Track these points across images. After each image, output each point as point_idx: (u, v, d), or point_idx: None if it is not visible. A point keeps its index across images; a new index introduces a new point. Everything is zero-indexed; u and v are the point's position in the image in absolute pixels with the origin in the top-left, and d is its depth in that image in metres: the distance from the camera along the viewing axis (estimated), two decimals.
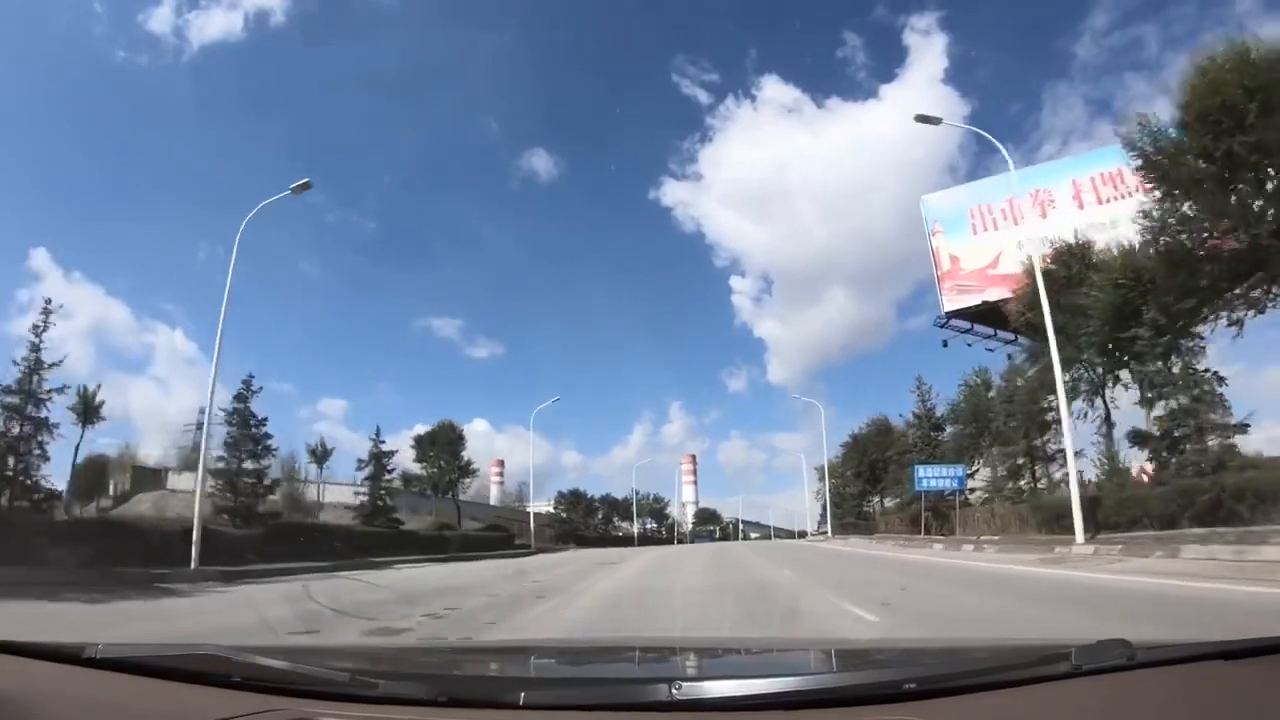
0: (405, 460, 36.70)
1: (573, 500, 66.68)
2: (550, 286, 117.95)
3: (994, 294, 31.28)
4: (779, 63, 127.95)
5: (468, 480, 38.06)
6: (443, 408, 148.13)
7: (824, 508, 56.36)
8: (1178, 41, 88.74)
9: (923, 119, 22.76)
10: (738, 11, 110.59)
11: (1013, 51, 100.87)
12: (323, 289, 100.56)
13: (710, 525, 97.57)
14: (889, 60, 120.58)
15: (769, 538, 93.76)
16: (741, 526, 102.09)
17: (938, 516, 31.40)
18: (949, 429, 35.12)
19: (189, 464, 29.50)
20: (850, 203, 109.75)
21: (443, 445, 37.34)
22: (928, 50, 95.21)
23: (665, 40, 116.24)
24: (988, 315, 31.97)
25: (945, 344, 35.76)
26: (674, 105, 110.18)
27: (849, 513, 50.87)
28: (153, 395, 79.51)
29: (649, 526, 79.83)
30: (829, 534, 48.19)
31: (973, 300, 33.39)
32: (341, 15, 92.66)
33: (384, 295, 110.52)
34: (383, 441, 32.33)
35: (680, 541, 73.97)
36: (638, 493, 74.81)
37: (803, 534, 79.85)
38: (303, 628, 7.18)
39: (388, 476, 33.02)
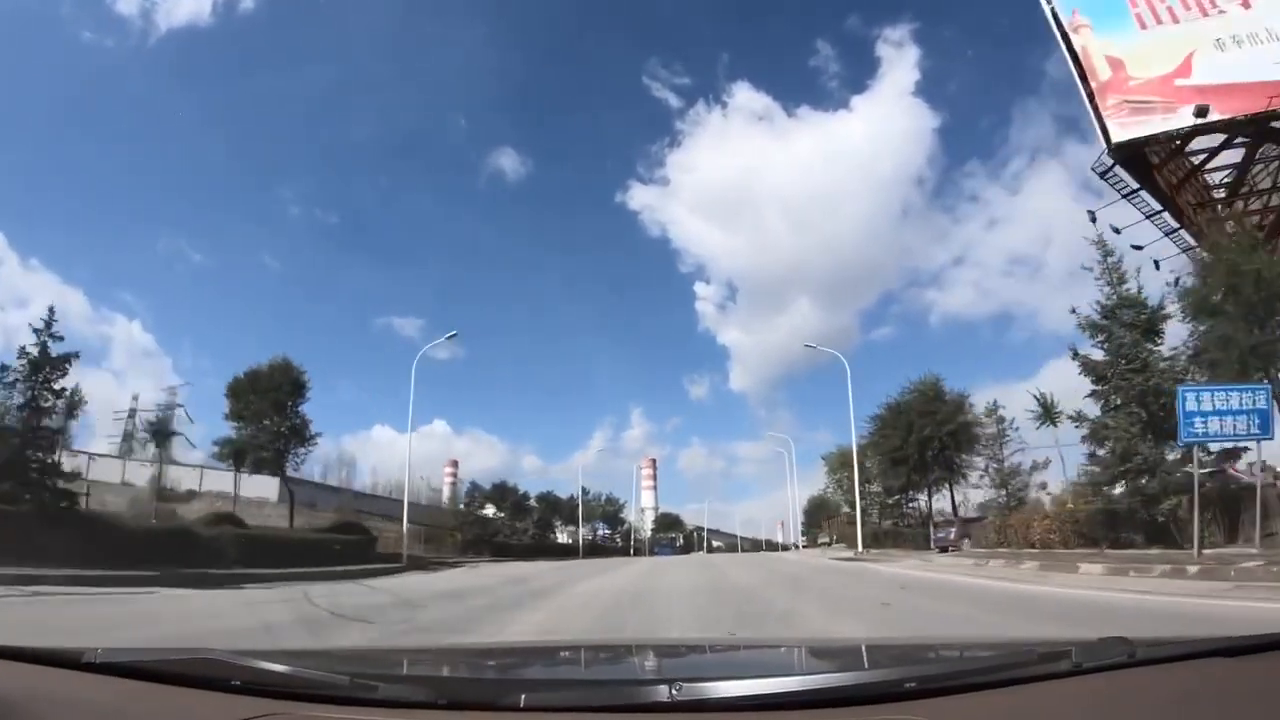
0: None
1: (496, 496, 49.16)
2: (513, 288, 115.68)
3: (1187, 114, 20.29)
4: (751, 69, 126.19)
5: (302, 450, 23.76)
6: (404, 407, 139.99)
7: (839, 511, 47.96)
8: None
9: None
10: (712, 14, 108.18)
11: (984, 66, 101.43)
12: (284, 283, 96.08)
13: (672, 533, 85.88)
14: (861, 71, 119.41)
15: (736, 548, 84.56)
16: (706, 535, 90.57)
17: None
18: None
19: None
20: (817, 213, 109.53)
21: (266, 393, 22.97)
22: (900, 62, 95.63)
23: (638, 40, 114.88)
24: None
25: (1116, 231, 22.25)
26: (644, 108, 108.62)
27: (884, 514, 39.35)
28: (109, 387, 76.51)
29: (601, 533, 68.33)
30: (858, 548, 32.70)
31: (1166, 122, 21.15)
32: (311, 6, 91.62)
33: (346, 292, 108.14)
34: (56, 337, 16.25)
35: (638, 552, 63.68)
36: (587, 493, 61.72)
37: (783, 546, 70.00)
38: None
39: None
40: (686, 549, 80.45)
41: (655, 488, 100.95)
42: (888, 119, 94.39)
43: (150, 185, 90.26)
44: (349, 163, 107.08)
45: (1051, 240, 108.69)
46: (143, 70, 78.28)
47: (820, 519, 65.05)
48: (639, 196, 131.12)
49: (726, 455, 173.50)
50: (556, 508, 57.25)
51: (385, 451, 72.94)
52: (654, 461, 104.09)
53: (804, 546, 61.47)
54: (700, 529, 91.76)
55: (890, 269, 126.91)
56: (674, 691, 1.08)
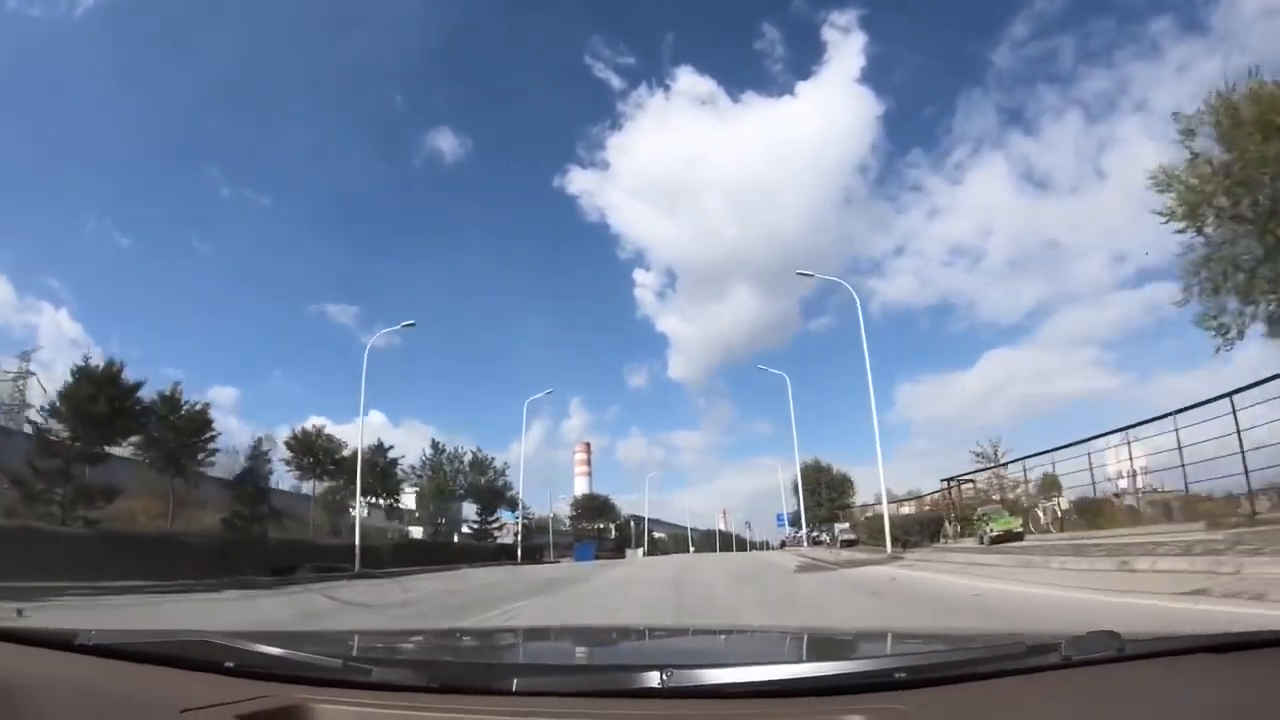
0: None
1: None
2: (450, 274, 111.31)
3: None
4: (696, 51, 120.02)
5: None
6: (339, 398, 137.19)
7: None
8: (1093, 56, 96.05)
9: None
10: None
11: (930, 55, 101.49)
12: (215, 268, 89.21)
13: (600, 522, 69.11)
14: (807, 56, 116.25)
15: (688, 548, 71.05)
16: (647, 528, 74.81)
17: None
18: None
19: None
20: (760, 200, 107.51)
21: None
22: (846, 48, 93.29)
23: (582, 18, 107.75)
24: None
25: None
26: (586, 89, 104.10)
27: None
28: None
29: (471, 523, 50.61)
30: (895, 550, 21.92)
31: None
32: None
33: (277, 277, 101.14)
34: None
35: (532, 558, 45.99)
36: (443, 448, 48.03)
37: (749, 544, 56.83)
38: None
39: None
40: (620, 547, 64.32)
41: (590, 474, 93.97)
42: (833, 106, 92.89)
43: (73, 164, 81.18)
44: (281, 142, 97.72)
45: (992, 231, 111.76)
46: (65, 41, 69.48)
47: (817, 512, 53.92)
48: (578, 180, 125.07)
49: (665, 445, 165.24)
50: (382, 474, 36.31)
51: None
52: (588, 446, 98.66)
53: (787, 544, 50.71)
54: (637, 518, 75.76)
55: (832, 257, 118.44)
56: (665, 677, 1.08)
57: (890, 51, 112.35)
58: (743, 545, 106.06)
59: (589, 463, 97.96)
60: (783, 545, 53.43)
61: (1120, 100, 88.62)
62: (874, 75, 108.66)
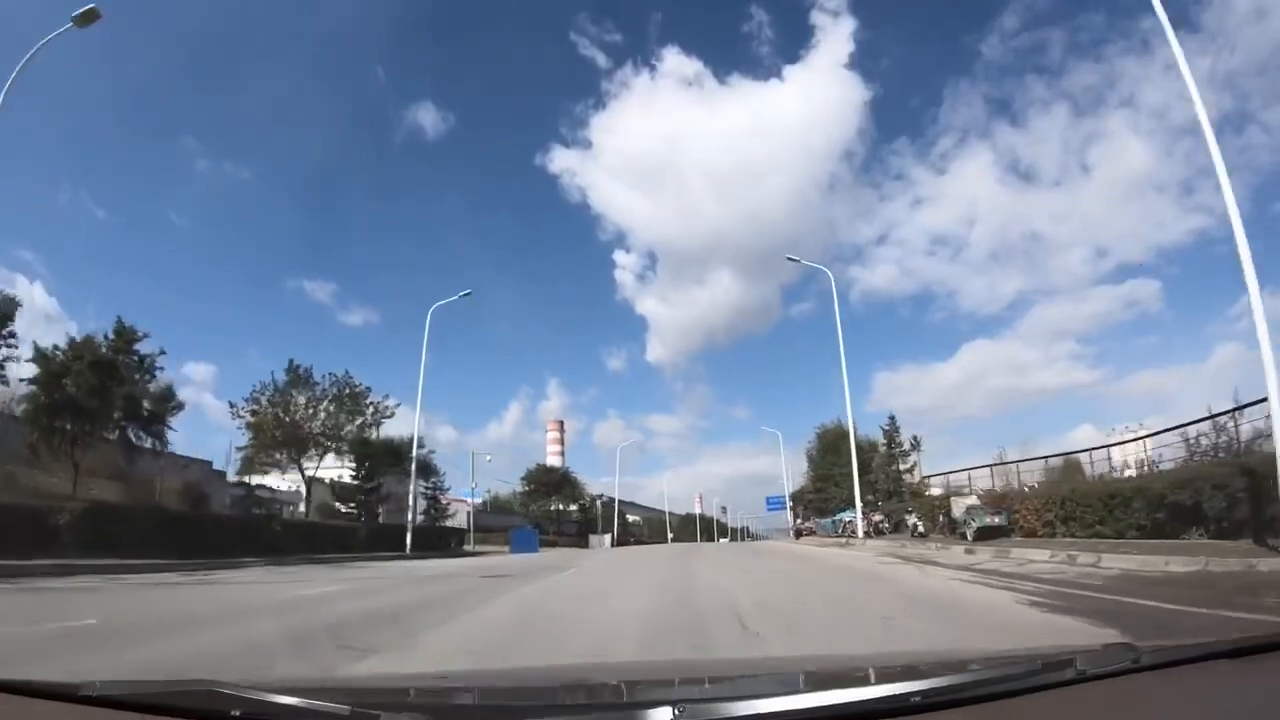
0: None
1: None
2: (429, 251, 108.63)
3: None
4: (683, 31, 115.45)
5: None
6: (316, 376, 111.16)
7: None
8: (1082, 50, 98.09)
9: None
10: None
11: (920, 43, 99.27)
12: (192, 242, 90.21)
13: (559, 501, 56.02)
14: (795, 39, 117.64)
15: (666, 534, 59.19)
16: (617, 511, 61.94)
17: None
18: None
19: None
20: (744, 183, 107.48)
21: None
22: (835, 32, 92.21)
23: None
24: None
25: None
26: (571, 66, 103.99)
27: None
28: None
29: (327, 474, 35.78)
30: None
31: None
32: None
33: (255, 252, 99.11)
34: None
35: (454, 547, 34.78)
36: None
37: (731, 531, 44.53)
38: None
39: None
40: (584, 532, 51.48)
41: (562, 453, 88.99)
42: (820, 91, 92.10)
43: (46, 134, 75.63)
44: (259, 114, 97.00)
45: (975, 222, 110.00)
46: (37, 7, 53.91)
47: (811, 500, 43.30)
48: (560, 159, 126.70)
49: (642, 428, 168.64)
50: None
51: None
52: (560, 424, 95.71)
53: (803, 533, 40.30)
54: (604, 499, 62.81)
55: (814, 243, 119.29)
56: (678, 713, 1.07)
57: (879, 38, 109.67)
58: (725, 531, 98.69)
59: (562, 441, 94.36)
60: (798, 535, 41.03)
61: (1108, 95, 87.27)
62: (862, 61, 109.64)
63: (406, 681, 2.63)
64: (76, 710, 1.28)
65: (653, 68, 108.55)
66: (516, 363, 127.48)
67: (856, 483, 27.63)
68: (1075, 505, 15.95)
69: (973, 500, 20.31)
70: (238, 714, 1.19)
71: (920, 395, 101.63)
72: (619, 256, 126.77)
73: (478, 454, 37.62)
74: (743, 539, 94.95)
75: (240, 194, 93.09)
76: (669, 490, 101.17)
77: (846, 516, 30.10)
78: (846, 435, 47.34)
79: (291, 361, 31.58)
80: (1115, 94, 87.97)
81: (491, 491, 63.33)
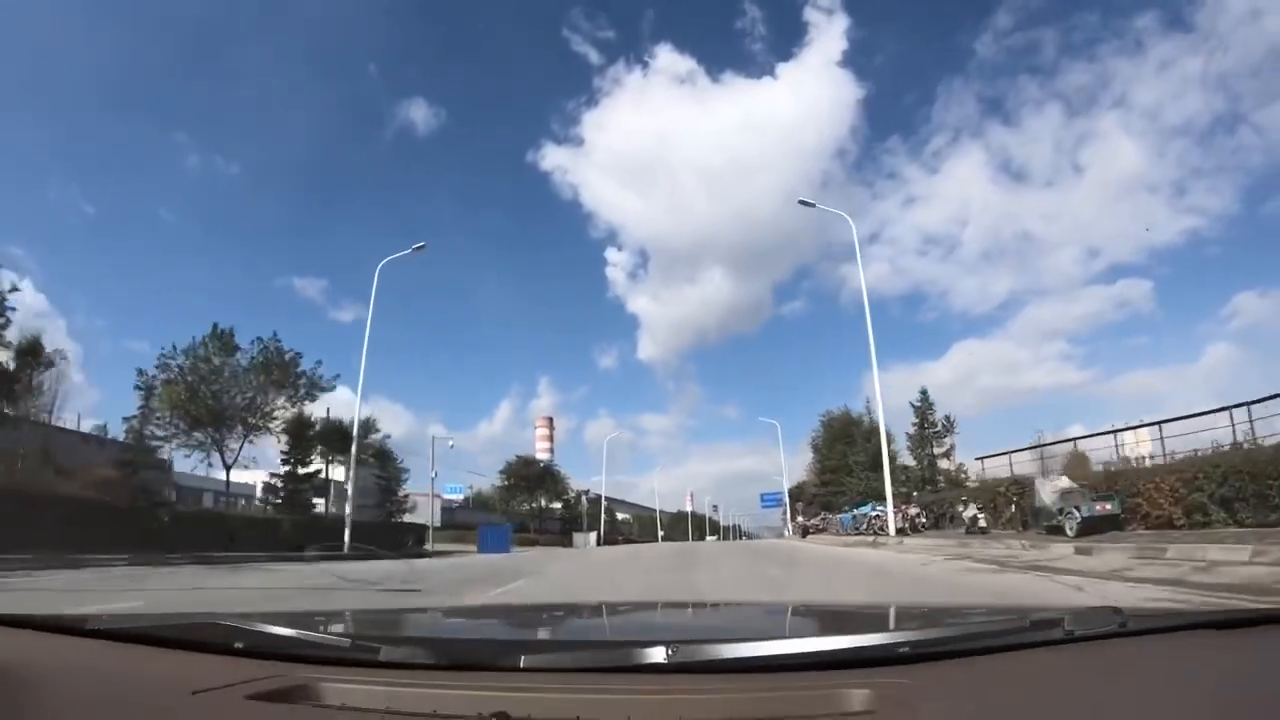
0: None
1: None
2: (419, 247, 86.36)
3: None
4: (677, 28, 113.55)
5: None
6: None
7: None
8: (1075, 49, 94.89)
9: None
10: None
11: (913, 41, 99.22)
12: (181, 237, 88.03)
13: (542, 497, 51.12)
14: (788, 37, 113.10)
15: (656, 533, 54.69)
16: (604, 505, 56.95)
17: None
18: None
19: None
20: (736, 181, 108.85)
21: None
22: (828, 30, 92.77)
23: None
24: None
25: None
26: (563, 62, 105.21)
27: None
28: None
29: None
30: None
31: None
32: None
33: (246, 248, 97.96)
34: None
35: (409, 547, 29.15)
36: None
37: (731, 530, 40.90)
38: None
39: None
40: (567, 530, 46.66)
41: (551, 450, 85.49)
42: (813, 88, 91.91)
43: (36, 129, 74.45)
44: (250, 109, 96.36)
45: (967, 221, 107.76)
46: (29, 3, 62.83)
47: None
48: (552, 156, 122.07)
49: (633, 427, 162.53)
50: None
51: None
52: (550, 420, 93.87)
53: (810, 531, 35.63)
54: (591, 495, 57.72)
55: (806, 242, 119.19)
56: (671, 651, 1.08)
57: (873, 35, 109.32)
58: (715, 529, 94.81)
59: (551, 438, 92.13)
60: (805, 533, 36.18)
61: (1101, 95, 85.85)
62: (855, 59, 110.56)
63: (408, 613, 2.78)
64: (80, 643, 1.31)
65: (645, 65, 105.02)
66: (507, 361, 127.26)
67: (888, 468, 22.73)
68: (1245, 481, 11.16)
69: (1064, 483, 15.40)
70: (239, 645, 1.21)
71: (911, 395, 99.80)
72: (610, 254, 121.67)
73: (439, 439, 32.48)
74: (734, 538, 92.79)
75: (229, 189, 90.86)
76: (660, 489, 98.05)
77: (870, 510, 25.27)
78: (855, 422, 43.10)
79: (216, 325, 26.49)
80: (1108, 94, 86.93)
81: (474, 487, 58.46)
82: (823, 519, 37.06)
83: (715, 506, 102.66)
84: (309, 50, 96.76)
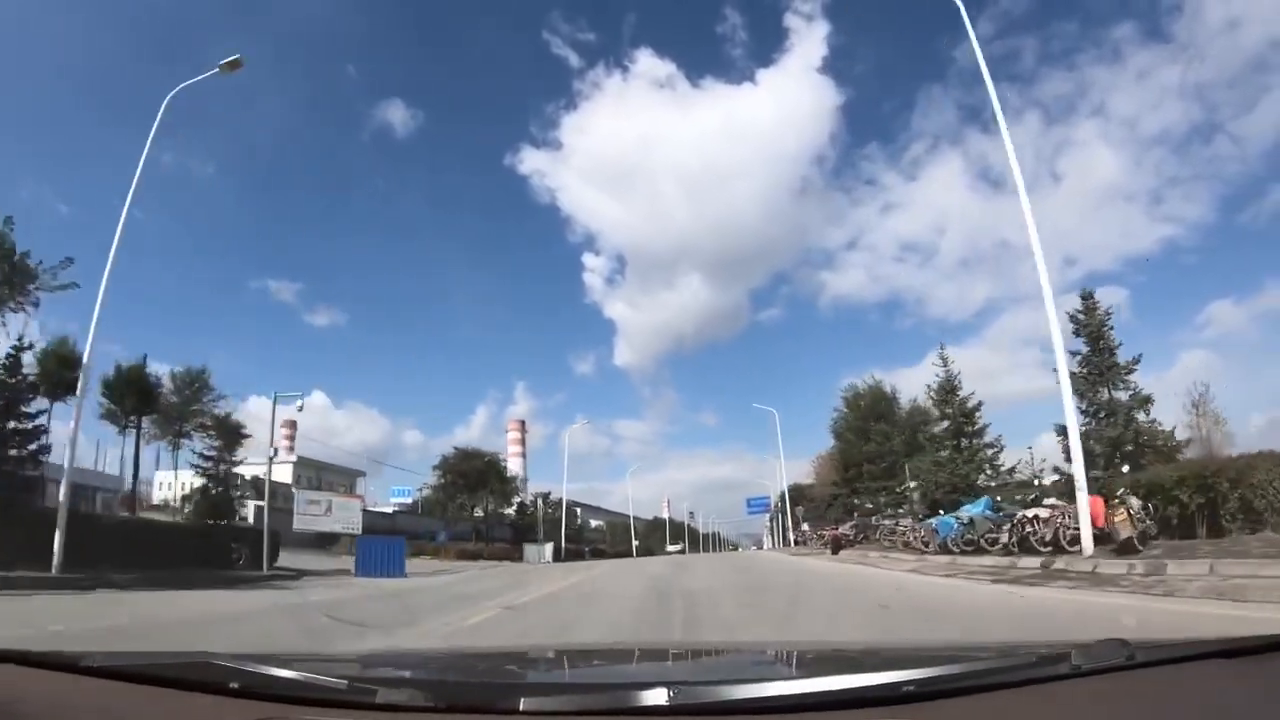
0: None
1: None
2: (395, 252, 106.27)
3: None
4: (657, 32, 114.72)
5: None
6: (282, 377, 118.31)
7: None
8: (1054, 58, 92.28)
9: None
10: None
11: (893, 48, 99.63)
12: (154, 239, 77.90)
13: (487, 500, 40.52)
14: (769, 43, 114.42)
15: (631, 546, 46.94)
16: (565, 506, 46.42)
17: None
18: None
19: None
20: (714, 188, 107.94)
21: None
22: (808, 36, 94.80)
23: None
24: None
25: None
26: (543, 65, 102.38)
27: None
28: None
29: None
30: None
31: None
32: None
33: (219, 250, 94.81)
34: None
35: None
36: None
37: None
38: None
39: None
40: (519, 540, 36.35)
41: (524, 454, 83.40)
42: (793, 95, 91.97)
43: (6, 127, 63.01)
44: (225, 107, 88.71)
45: (945, 229, 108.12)
46: None
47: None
48: (530, 160, 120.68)
49: (610, 434, 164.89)
50: None
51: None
52: (522, 424, 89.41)
53: (839, 544, 25.49)
54: (549, 498, 47.09)
55: (784, 248, 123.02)
56: (672, 694, 1.06)
57: (853, 42, 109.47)
58: (695, 539, 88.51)
59: (523, 442, 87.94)
60: (836, 547, 26.04)
61: (1079, 103, 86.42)
62: (836, 66, 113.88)
63: (405, 656, 2.68)
64: (77, 680, 1.29)
65: (625, 69, 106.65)
66: (483, 366, 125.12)
67: (1072, 416, 12.47)
68: None
69: None
70: (235, 686, 1.18)
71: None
72: (588, 259, 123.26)
73: (283, 397, 21.76)
74: (715, 547, 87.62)
75: (202, 190, 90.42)
76: (637, 496, 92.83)
77: (978, 511, 15.13)
78: (888, 398, 33.16)
79: None
80: (1087, 103, 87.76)
81: (424, 490, 47.95)
82: (856, 526, 26.93)
83: (692, 513, 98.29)
84: (286, 50, 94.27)
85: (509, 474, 42.89)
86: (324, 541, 41.78)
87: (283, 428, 72.23)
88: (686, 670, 1.93)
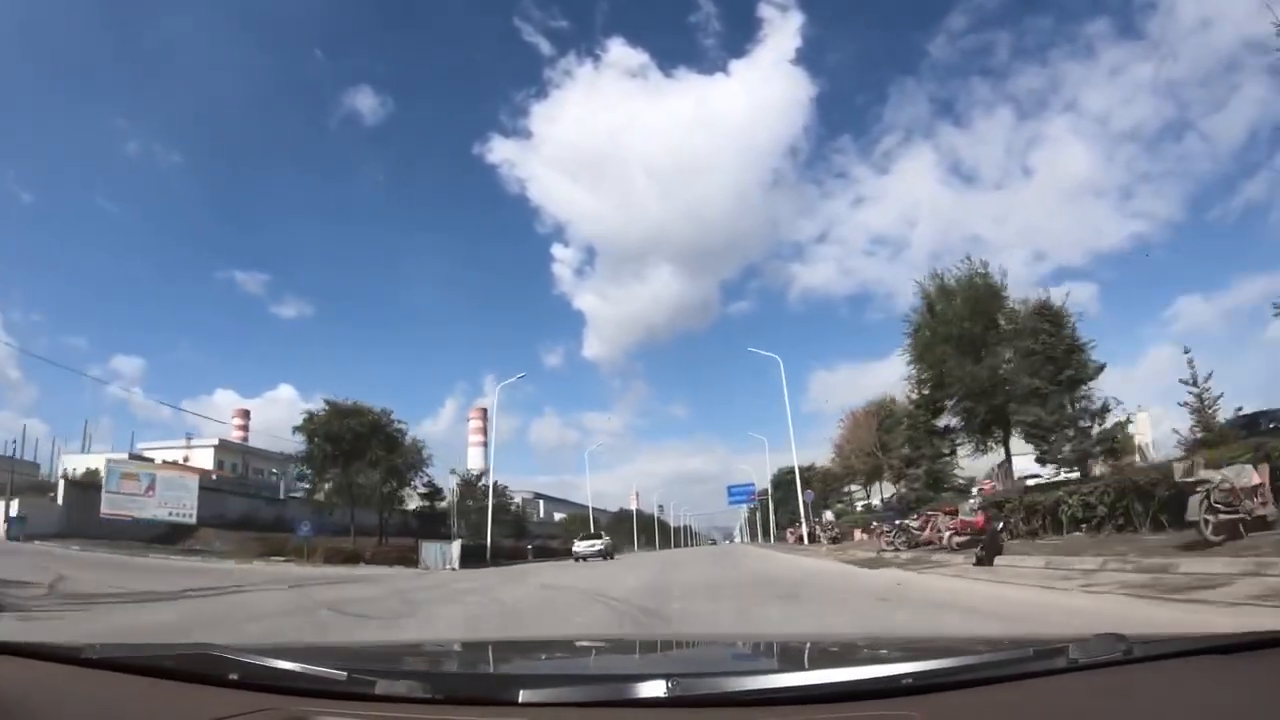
0: None
1: None
2: (362, 241, 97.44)
3: None
4: (630, 21, 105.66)
5: None
6: (248, 369, 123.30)
7: None
8: (1027, 53, 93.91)
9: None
10: None
11: (867, 40, 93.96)
12: (120, 228, 74.38)
13: (341, 474, 29.42)
14: (742, 33, 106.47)
15: (595, 532, 38.20)
16: (493, 489, 34.56)
17: None
18: None
19: None
20: (686, 178, 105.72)
21: None
22: (782, 27, 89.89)
23: None
24: None
25: None
26: (513, 52, 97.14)
27: None
28: None
29: None
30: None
31: None
32: None
33: (185, 239, 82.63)
34: None
35: None
36: None
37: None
38: None
39: None
40: (433, 534, 24.69)
41: (485, 444, 74.33)
42: (766, 86, 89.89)
43: None
44: (193, 93, 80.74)
45: (916, 222, 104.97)
46: None
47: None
48: (499, 149, 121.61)
49: (579, 426, 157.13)
50: None
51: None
52: (484, 412, 79.64)
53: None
54: (472, 475, 35.62)
55: (755, 241, 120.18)
56: (671, 685, 1.06)
57: (827, 34, 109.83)
58: (666, 533, 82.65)
59: (485, 430, 79.24)
60: (913, 541, 14.92)
61: (1051, 99, 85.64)
62: (809, 57, 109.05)
63: (404, 647, 2.73)
64: (77, 672, 1.29)
65: (597, 58, 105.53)
66: (452, 357, 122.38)
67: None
68: None
69: None
70: (235, 677, 1.18)
71: (857, 394, 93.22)
72: (557, 250, 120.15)
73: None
74: (687, 542, 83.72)
75: (169, 179, 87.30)
76: (606, 489, 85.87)
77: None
78: (998, 292, 21.09)
79: None
80: (1059, 98, 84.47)
81: (294, 466, 35.93)
82: (958, 517, 15.23)
83: (661, 506, 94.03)
84: (252, 33, 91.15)
85: (409, 440, 30.75)
86: (177, 535, 29.73)
87: (235, 416, 63.18)
88: (685, 662, 1.94)
